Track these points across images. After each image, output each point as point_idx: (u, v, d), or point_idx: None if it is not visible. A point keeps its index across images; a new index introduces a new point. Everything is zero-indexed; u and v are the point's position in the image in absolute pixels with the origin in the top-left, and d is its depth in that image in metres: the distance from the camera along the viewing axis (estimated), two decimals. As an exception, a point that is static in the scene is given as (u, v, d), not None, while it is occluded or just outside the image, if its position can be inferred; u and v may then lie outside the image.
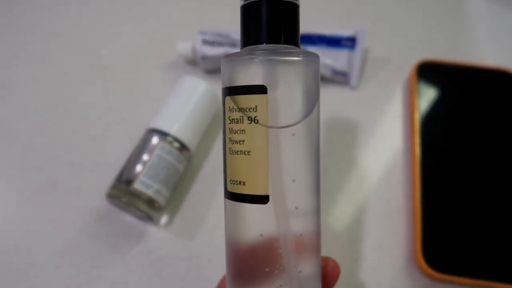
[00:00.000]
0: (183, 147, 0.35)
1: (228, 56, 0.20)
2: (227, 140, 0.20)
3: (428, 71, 0.40)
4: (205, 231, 0.36)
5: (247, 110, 0.19)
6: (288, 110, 0.19)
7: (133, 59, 0.44)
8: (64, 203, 0.37)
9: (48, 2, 0.48)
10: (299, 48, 0.21)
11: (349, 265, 0.34)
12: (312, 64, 0.20)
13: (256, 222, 0.20)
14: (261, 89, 0.18)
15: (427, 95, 0.39)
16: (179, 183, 0.37)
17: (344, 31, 0.41)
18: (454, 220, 0.34)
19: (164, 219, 0.36)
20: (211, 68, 0.42)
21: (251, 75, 0.19)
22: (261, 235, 0.20)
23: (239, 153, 0.19)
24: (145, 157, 0.34)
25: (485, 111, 0.39)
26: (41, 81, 0.43)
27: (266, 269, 0.20)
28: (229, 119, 0.20)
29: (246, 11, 0.20)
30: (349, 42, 0.41)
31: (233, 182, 0.20)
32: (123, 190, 0.33)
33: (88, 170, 0.38)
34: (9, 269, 0.34)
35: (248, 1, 0.20)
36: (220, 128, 0.40)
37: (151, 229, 0.36)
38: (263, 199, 0.19)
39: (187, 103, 0.36)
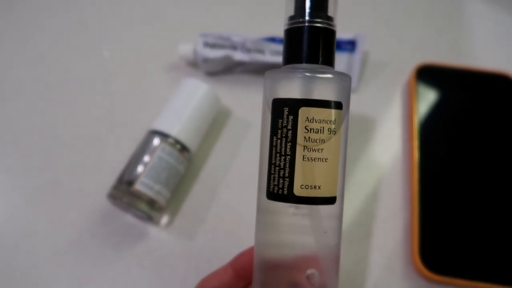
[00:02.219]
0: (183, 148, 0.36)
1: (295, 69, 0.22)
2: (300, 148, 0.22)
3: (427, 75, 0.40)
4: (205, 231, 0.36)
5: (328, 122, 0.22)
6: (345, 123, 0.23)
7: (135, 61, 0.44)
8: (66, 203, 0.37)
9: (51, 5, 0.49)
10: (333, 68, 0.23)
11: (347, 266, 0.34)
12: (350, 82, 0.23)
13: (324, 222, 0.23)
14: (339, 105, 0.22)
15: (426, 99, 0.40)
16: (179, 184, 0.37)
17: (344, 35, 0.42)
18: (452, 222, 0.35)
19: (164, 219, 0.37)
20: (212, 70, 0.42)
21: (329, 91, 0.22)
22: (325, 232, 0.23)
23: (316, 160, 0.22)
24: (146, 158, 0.34)
25: (484, 115, 0.39)
26: (45, 82, 0.44)
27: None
28: (306, 129, 0.21)
29: (291, 34, 0.23)
30: (349, 46, 0.41)
31: (306, 186, 0.22)
32: (124, 191, 0.33)
33: (90, 170, 0.39)
34: (11, 268, 0.35)
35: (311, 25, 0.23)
36: (222, 129, 0.40)
37: (151, 229, 0.36)
38: (333, 200, 0.22)
39: (188, 105, 0.37)
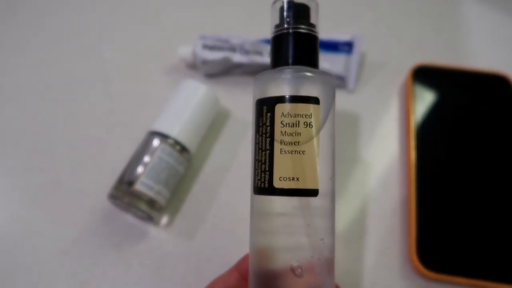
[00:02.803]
0: (183, 149, 0.36)
1: (274, 72, 0.24)
2: (277, 142, 0.23)
3: (424, 75, 0.41)
4: (205, 231, 0.36)
5: (304, 116, 0.22)
6: (323, 117, 0.23)
7: (135, 63, 0.45)
8: (66, 203, 0.38)
9: (51, 7, 0.49)
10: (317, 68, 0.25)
11: (345, 265, 0.35)
12: (333, 80, 0.25)
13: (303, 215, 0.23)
14: (316, 100, 0.23)
15: (423, 99, 0.40)
16: (179, 184, 0.38)
17: (341, 36, 0.42)
18: (448, 221, 0.35)
19: (164, 219, 0.37)
20: (211, 72, 0.43)
21: (307, 88, 0.23)
22: (308, 225, 0.23)
23: (293, 152, 0.22)
24: (146, 158, 0.35)
25: (481, 115, 0.39)
26: (45, 83, 0.44)
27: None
28: (282, 123, 0.23)
29: (275, 40, 0.25)
30: (346, 47, 0.42)
31: (284, 178, 0.22)
32: (124, 191, 0.34)
33: (90, 170, 0.39)
34: (13, 268, 0.35)
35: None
36: (221, 130, 0.41)
37: (152, 229, 0.36)
38: (314, 192, 0.23)
39: (187, 106, 0.37)
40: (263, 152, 0.23)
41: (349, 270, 0.35)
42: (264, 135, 0.23)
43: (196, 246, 0.36)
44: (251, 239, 0.25)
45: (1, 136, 0.41)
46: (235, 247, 0.36)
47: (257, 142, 0.24)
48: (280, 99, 0.23)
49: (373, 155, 0.39)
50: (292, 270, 0.22)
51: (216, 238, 0.36)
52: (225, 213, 0.37)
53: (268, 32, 0.42)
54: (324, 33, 0.42)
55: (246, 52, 0.41)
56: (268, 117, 0.23)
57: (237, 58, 0.41)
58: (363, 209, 0.37)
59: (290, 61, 0.24)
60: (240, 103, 0.42)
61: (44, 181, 0.39)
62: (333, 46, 0.42)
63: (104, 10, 0.49)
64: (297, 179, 0.22)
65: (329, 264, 0.24)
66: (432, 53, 0.45)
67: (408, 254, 0.34)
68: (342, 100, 0.42)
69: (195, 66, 0.43)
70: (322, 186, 0.23)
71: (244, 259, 0.28)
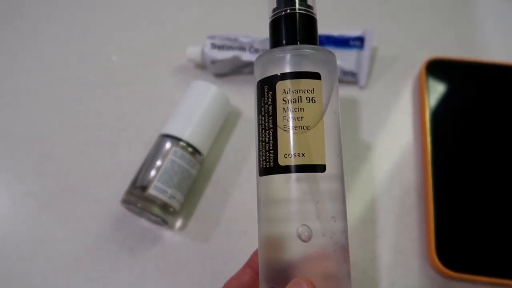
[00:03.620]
0: (195, 151, 0.36)
1: (274, 51, 0.24)
2: (280, 119, 0.22)
3: (438, 69, 0.40)
4: (219, 233, 0.36)
5: (305, 91, 0.22)
6: (327, 93, 0.23)
7: (143, 65, 0.45)
8: (80, 209, 0.38)
9: (57, 10, 0.49)
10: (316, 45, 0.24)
11: (362, 264, 0.34)
12: (334, 57, 0.25)
13: (310, 193, 0.22)
14: (317, 76, 0.23)
15: (437, 93, 0.39)
16: (192, 187, 0.37)
17: (352, 31, 0.41)
18: (468, 217, 0.34)
19: (178, 223, 0.37)
20: (220, 71, 0.42)
21: (307, 64, 0.23)
22: (318, 202, 0.22)
23: (297, 128, 0.22)
24: (158, 162, 0.34)
25: (497, 108, 0.38)
26: (54, 89, 0.44)
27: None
28: (284, 100, 0.22)
29: (273, 24, 0.25)
30: (357, 42, 0.41)
31: (289, 155, 0.22)
32: (138, 196, 0.33)
33: (102, 175, 0.39)
34: (29, 275, 0.35)
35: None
36: (233, 130, 0.40)
37: (166, 233, 0.36)
38: (322, 168, 0.22)
39: (198, 108, 0.37)
40: (266, 132, 0.23)
41: (367, 269, 0.34)
42: (266, 114, 0.23)
43: (211, 249, 0.36)
44: (259, 227, 0.24)
45: (13, 143, 0.41)
46: (250, 249, 0.35)
47: (259, 123, 0.23)
48: (281, 77, 0.23)
49: (387, 152, 0.39)
50: (299, 235, 0.21)
51: (231, 240, 0.36)
52: (239, 215, 0.37)
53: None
54: (334, 29, 0.42)
55: (255, 50, 0.40)
56: (270, 96, 0.23)
57: (247, 56, 0.41)
58: (379, 207, 0.36)
59: (289, 40, 0.24)
60: (251, 102, 0.41)
61: (57, 187, 0.38)
62: (344, 42, 0.41)
63: (110, 13, 0.48)
64: (303, 154, 0.22)
65: (343, 249, 0.22)
66: (444, 46, 0.44)
67: (427, 253, 0.34)
68: (354, 96, 0.41)
69: (204, 66, 0.43)
70: (329, 162, 0.22)
71: (255, 255, 0.28)
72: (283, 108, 0.22)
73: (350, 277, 0.23)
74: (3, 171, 0.40)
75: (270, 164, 0.23)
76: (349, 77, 0.41)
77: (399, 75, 0.42)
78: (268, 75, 0.23)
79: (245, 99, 0.42)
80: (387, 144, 0.39)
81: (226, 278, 0.33)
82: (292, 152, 0.22)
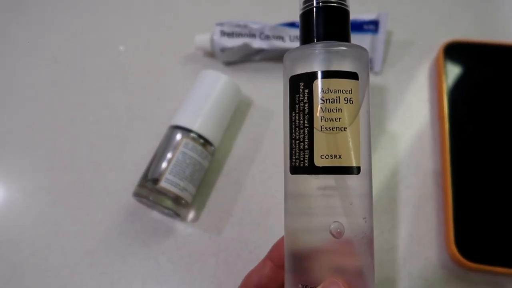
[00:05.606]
0: (206, 142, 0.35)
1: (308, 48, 0.23)
2: (317, 119, 0.22)
3: (456, 52, 0.39)
4: (232, 225, 0.36)
5: (344, 91, 0.22)
6: (362, 93, 0.23)
7: (151, 55, 0.44)
8: (92, 202, 0.37)
9: (62, 3, 0.48)
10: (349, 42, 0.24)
11: (379, 255, 0.34)
12: (367, 54, 0.24)
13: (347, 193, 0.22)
14: (355, 76, 0.22)
15: (455, 77, 0.38)
16: (204, 179, 0.37)
17: (366, 15, 0.40)
18: (488, 206, 0.33)
19: (191, 215, 0.36)
20: (230, 59, 0.41)
21: (345, 63, 0.23)
22: (351, 203, 0.22)
23: (335, 129, 0.22)
24: (169, 154, 0.34)
25: (518, 92, 0.37)
26: (62, 82, 0.43)
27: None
28: (322, 100, 0.22)
29: (305, 17, 0.24)
30: (371, 26, 0.40)
31: (326, 156, 0.22)
32: (150, 188, 0.33)
33: (113, 168, 0.38)
34: (42, 269, 0.35)
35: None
36: (244, 120, 0.40)
37: (179, 225, 0.36)
38: (357, 170, 0.22)
39: (208, 98, 0.36)
40: (301, 130, 0.22)
41: (384, 260, 0.34)
42: (301, 112, 0.22)
43: (224, 240, 0.35)
44: (286, 221, 0.24)
45: (23, 137, 0.41)
46: (264, 241, 0.35)
47: (293, 120, 0.23)
48: (320, 75, 0.22)
49: (404, 139, 0.38)
50: (331, 232, 0.22)
51: (244, 232, 0.35)
52: (252, 206, 0.36)
53: (287, 16, 0.41)
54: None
55: (266, 37, 0.39)
56: (306, 93, 0.22)
57: (257, 43, 0.39)
58: (396, 197, 0.35)
59: (322, 36, 0.23)
60: (262, 90, 0.41)
61: (68, 180, 0.38)
62: (357, 26, 0.39)
63: (117, 2, 0.47)
64: (340, 156, 0.22)
65: (370, 245, 0.23)
66: (462, 29, 0.42)
67: (446, 243, 0.33)
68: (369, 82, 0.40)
69: (213, 55, 0.42)
70: (363, 163, 0.22)
71: (276, 247, 0.28)
72: (321, 107, 0.22)
73: (374, 272, 0.24)
74: (14, 165, 0.40)
75: (305, 164, 0.22)
76: (363, 63, 0.40)
77: (415, 60, 0.41)
78: (303, 72, 0.23)
79: (256, 87, 0.41)
80: (403, 132, 0.38)
81: (240, 269, 0.33)
82: (329, 153, 0.22)
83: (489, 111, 0.36)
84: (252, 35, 0.39)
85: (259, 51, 0.40)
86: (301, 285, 0.23)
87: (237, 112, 0.39)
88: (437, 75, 0.39)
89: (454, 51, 0.39)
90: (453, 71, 0.38)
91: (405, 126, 0.38)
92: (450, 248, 0.32)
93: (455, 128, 0.36)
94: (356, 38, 0.39)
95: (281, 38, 0.39)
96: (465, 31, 0.42)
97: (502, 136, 0.35)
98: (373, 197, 0.35)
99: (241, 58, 0.41)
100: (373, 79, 0.40)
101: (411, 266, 0.33)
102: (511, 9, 0.43)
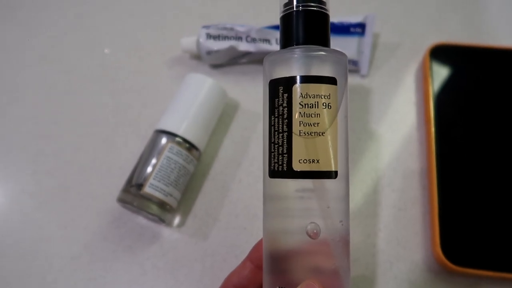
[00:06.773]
0: (192, 146, 0.35)
1: (288, 52, 0.23)
2: (296, 124, 0.22)
3: (442, 55, 0.39)
4: (218, 230, 0.35)
5: (322, 97, 0.22)
6: (340, 98, 0.23)
7: (137, 57, 0.43)
8: (76, 206, 0.37)
9: (50, 3, 0.47)
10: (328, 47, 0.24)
11: (365, 259, 0.34)
12: (346, 59, 0.24)
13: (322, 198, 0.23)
14: (333, 81, 0.22)
15: (442, 80, 0.38)
16: (190, 183, 0.36)
17: (352, 18, 0.40)
18: (474, 210, 0.33)
19: (176, 220, 0.36)
20: (216, 62, 0.41)
21: (324, 68, 0.23)
22: (328, 207, 0.22)
23: (313, 134, 0.22)
24: (154, 159, 0.33)
25: (504, 96, 0.37)
26: (47, 84, 0.43)
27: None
28: (301, 104, 0.22)
29: (285, 20, 0.24)
30: (358, 29, 0.39)
31: (304, 161, 0.22)
32: (134, 194, 0.33)
33: (98, 172, 0.38)
34: (26, 274, 0.35)
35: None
36: (230, 124, 0.39)
37: (164, 231, 0.36)
38: (334, 174, 0.22)
39: (193, 102, 0.35)
40: (280, 134, 0.22)
41: (370, 264, 0.34)
42: (280, 116, 0.23)
43: (211, 246, 0.35)
44: (265, 223, 0.24)
45: (7, 140, 0.40)
46: (250, 245, 0.34)
47: (272, 124, 0.23)
48: (299, 80, 0.22)
49: (390, 142, 0.38)
50: (307, 233, 0.22)
51: (231, 236, 0.35)
52: (239, 210, 0.36)
53: (273, 19, 0.41)
54: (334, 15, 0.40)
55: (252, 40, 0.39)
56: (285, 98, 0.22)
57: (244, 46, 0.39)
58: (381, 200, 0.35)
59: (302, 40, 0.23)
60: (249, 93, 0.40)
61: (53, 185, 0.38)
62: (344, 29, 0.39)
63: (103, 4, 0.47)
64: (318, 161, 0.22)
65: (346, 246, 0.23)
66: (449, 32, 0.42)
67: (432, 247, 0.33)
68: (356, 85, 0.40)
69: (199, 57, 0.41)
70: (340, 167, 0.22)
71: (256, 248, 0.28)
72: (299, 112, 0.22)
73: (350, 274, 0.24)
74: (-3, 169, 0.39)
75: (283, 168, 0.22)
76: (350, 66, 0.40)
77: (402, 62, 0.41)
78: (283, 76, 0.23)
79: (242, 90, 0.40)
80: (389, 134, 0.38)
81: (226, 275, 0.32)
82: (307, 158, 0.22)
83: (475, 114, 0.37)
84: (238, 38, 0.39)
85: (246, 54, 0.40)
86: (279, 287, 0.23)
87: (224, 115, 0.39)
88: (423, 77, 0.39)
89: (441, 53, 0.39)
90: (440, 74, 0.38)
91: (391, 129, 0.38)
92: (435, 251, 0.32)
93: (441, 131, 0.36)
94: (343, 41, 0.39)
95: (267, 41, 0.39)
96: (452, 33, 0.42)
97: (488, 139, 0.36)
98: (359, 201, 0.35)
99: (228, 61, 0.41)
100: (359, 81, 0.40)
101: (397, 270, 0.33)
102: (498, 12, 0.43)
